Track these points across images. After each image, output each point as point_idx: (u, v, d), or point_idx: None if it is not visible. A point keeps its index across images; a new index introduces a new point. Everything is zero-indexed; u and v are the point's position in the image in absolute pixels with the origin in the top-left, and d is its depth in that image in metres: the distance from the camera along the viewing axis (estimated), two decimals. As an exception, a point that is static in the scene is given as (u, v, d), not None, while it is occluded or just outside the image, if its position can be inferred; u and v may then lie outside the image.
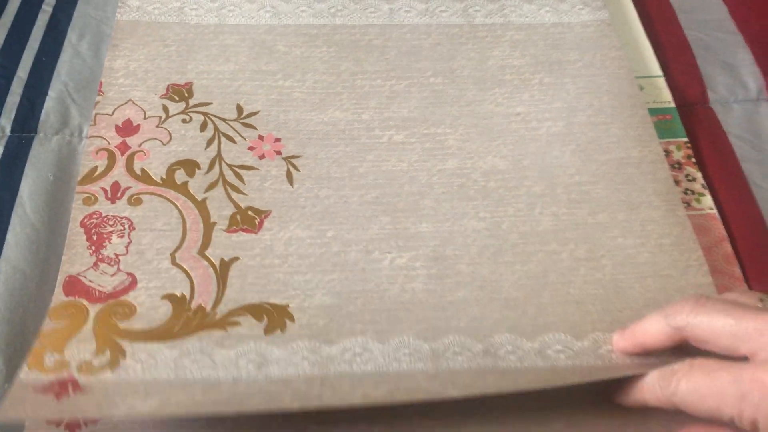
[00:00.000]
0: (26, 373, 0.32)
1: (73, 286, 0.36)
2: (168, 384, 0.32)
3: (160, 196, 0.40)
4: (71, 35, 0.50)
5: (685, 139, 0.46)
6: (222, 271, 0.37)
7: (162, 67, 0.46)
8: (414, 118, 0.45)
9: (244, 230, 0.39)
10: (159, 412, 0.32)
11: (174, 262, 0.37)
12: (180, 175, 0.41)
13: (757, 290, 0.34)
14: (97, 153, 0.42)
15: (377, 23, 0.50)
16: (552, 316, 0.37)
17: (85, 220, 0.39)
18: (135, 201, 0.40)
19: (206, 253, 0.38)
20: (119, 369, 0.33)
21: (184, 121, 0.43)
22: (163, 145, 0.42)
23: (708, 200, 0.43)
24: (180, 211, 0.40)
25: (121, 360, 0.33)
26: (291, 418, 0.34)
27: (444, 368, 0.34)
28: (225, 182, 0.41)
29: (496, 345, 0.35)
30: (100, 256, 0.37)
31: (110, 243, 0.38)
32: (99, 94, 0.44)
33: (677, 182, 0.44)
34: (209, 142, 0.43)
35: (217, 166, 0.42)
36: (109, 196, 0.40)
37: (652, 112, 0.46)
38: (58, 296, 0.36)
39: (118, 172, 0.41)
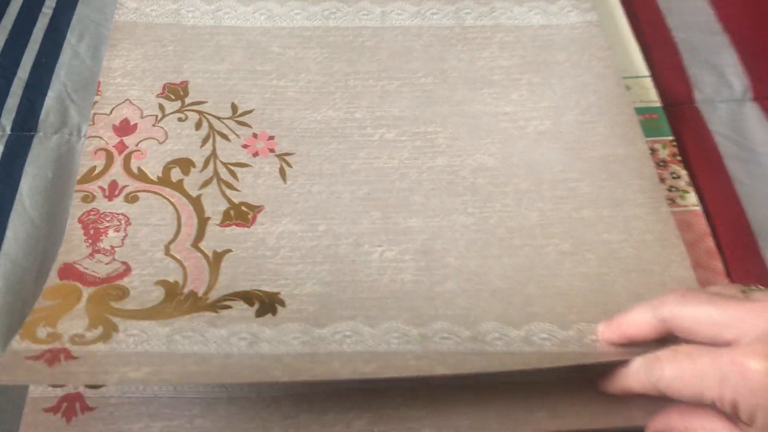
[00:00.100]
0: (18, 343, 0.33)
1: (68, 271, 0.37)
2: (160, 356, 0.33)
3: (155, 193, 0.41)
4: (70, 37, 0.51)
5: (671, 138, 0.47)
6: (215, 261, 0.38)
7: (158, 66, 0.47)
8: (405, 117, 0.46)
9: (237, 224, 0.40)
10: (151, 380, 0.32)
11: (168, 253, 0.38)
12: (176, 173, 0.42)
13: (739, 284, 0.35)
14: (95, 153, 0.43)
15: (370, 25, 0.51)
16: (538, 307, 0.37)
17: (83, 216, 0.40)
18: (132, 198, 0.41)
19: (199, 245, 0.39)
20: (112, 341, 0.33)
21: (179, 119, 0.44)
22: (160, 144, 0.43)
23: (692, 197, 0.44)
24: (175, 207, 0.40)
25: (114, 334, 0.34)
26: (281, 406, 0.35)
27: (432, 350, 0.34)
28: (219, 179, 0.42)
29: (484, 332, 0.36)
30: (97, 248, 0.38)
31: (106, 237, 0.39)
32: (97, 94, 0.45)
33: (663, 180, 0.45)
34: (204, 141, 0.43)
35: (211, 164, 0.42)
36: (107, 194, 0.41)
37: (639, 111, 0.47)
38: (53, 279, 0.37)
39: (116, 171, 0.42)
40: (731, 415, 0.30)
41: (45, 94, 0.48)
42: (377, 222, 0.41)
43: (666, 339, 0.32)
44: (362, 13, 0.51)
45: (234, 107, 0.45)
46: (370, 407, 0.35)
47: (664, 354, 0.32)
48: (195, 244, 0.39)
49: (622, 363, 0.33)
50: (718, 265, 0.41)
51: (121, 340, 0.34)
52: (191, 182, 0.42)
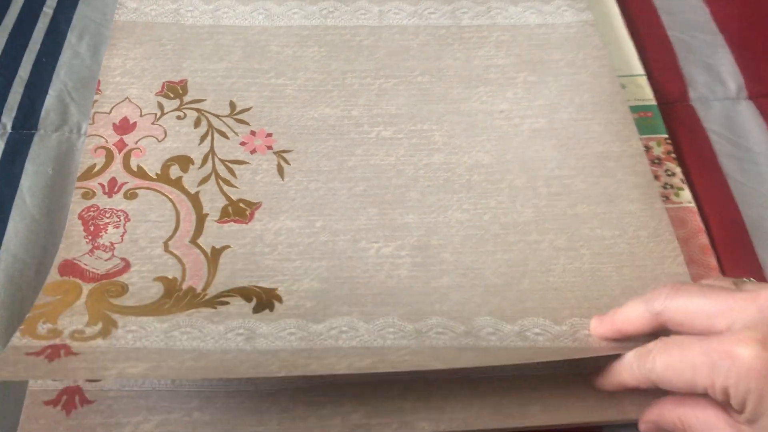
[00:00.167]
0: (18, 339, 0.33)
1: (68, 267, 0.38)
2: (158, 352, 0.33)
3: (154, 190, 0.41)
4: (71, 37, 0.52)
5: (666, 136, 0.47)
6: (213, 257, 0.39)
7: (157, 65, 0.47)
8: (402, 114, 0.46)
9: (235, 221, 0.41)
10: (149, 376, 0.33)
11: (167, 250, 0.39)
12: (174, 171, 0.42)
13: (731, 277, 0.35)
14: (95, 151, 0.43)
15: (367, 24, 0.51)
16: (532, 302, 0.38)
17: (83, 212, 0.40)
18: (131, 195, 0.41)
19: (198, 241, 0.39)
20: (111, 337, 0.34)
21: (178, 117, 0.45)
22: (159, 141, 0.44)
23: (687, 194, 0.45)
24: (173, 204, 0.41)
25: (113, 330, 0.34)
26: (278, 400, 0.35)
27: (427, 345, 0.35)
28: (217, 176, 0.42)
29: (478, 327, 0.36)
30: (96, 244, 0.39)
31: (106, 233, 0.39)
32: (97, 93, 0.46)
33: (657, 177, 0.45)
34: (203, 138, 0.44)
35: (210, 161, 0.43)
36: (107, 190, 0.41)
37: (634, 109, 0.48)
38: (53, 276, 0.37)
39: (116, 169, 0.42)
40: (723, 402, 0.30)
41: (45, 93, 0.48)
42: (374, 218, 0.41)
43: (659, 333, 0.33)
44: (360, 13, 0.52)
45: (232, 105, 0.46)
46: (366, 401, 0.35)
47: (655, 345, 0.32)
48: (193, 241, 0.39)
49: (615, 358, 0.34)
50: (712, 261, 0.42)
51: (120, 336, 0.34)
52: (190, 179, 0.42)
